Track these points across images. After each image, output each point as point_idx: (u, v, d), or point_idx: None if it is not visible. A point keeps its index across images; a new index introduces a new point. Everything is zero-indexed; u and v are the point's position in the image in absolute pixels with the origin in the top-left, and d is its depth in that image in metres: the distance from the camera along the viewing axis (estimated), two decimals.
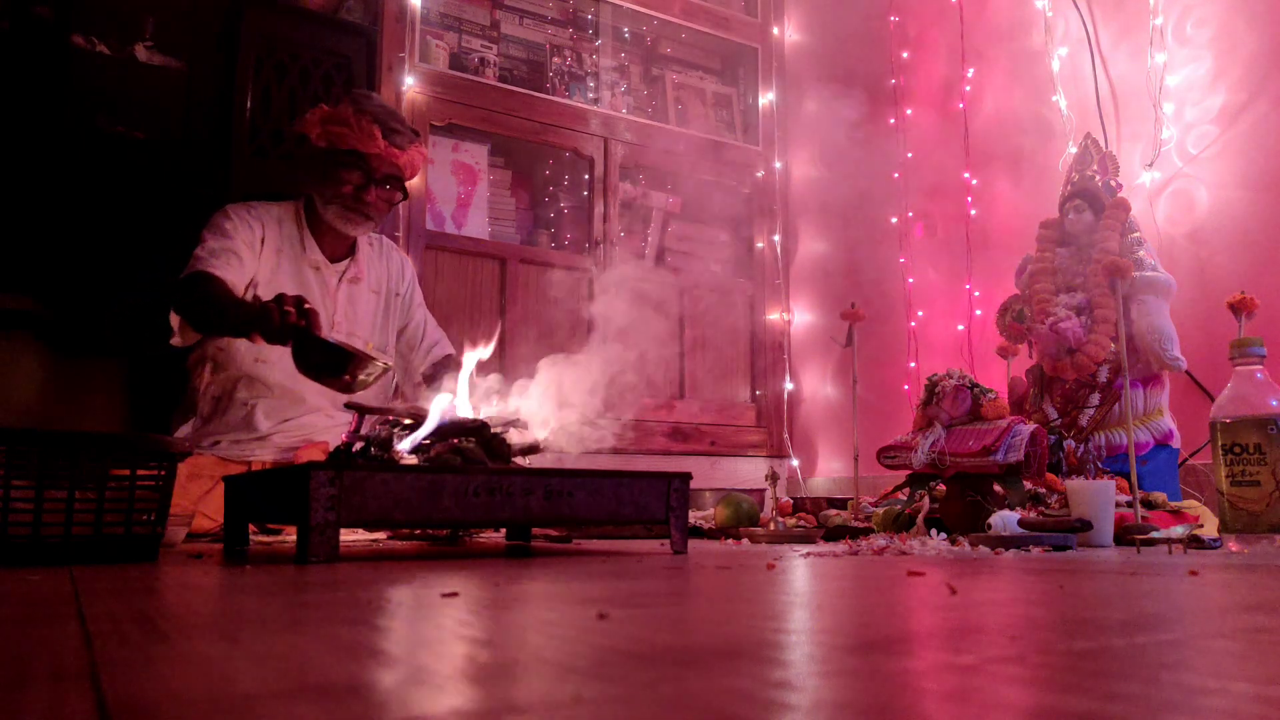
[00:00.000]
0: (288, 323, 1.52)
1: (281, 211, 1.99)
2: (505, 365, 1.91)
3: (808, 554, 1.30)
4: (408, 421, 1.40)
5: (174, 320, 1.84)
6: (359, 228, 1.99)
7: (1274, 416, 1.36)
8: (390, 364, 1.61)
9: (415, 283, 2.19)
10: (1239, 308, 1.55)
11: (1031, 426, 1.66)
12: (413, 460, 1.31)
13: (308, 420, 1.95)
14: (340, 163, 1.91)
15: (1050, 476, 1.72)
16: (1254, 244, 2.04)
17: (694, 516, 2.05)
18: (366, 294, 2.07)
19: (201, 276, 1.79)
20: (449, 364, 2.07)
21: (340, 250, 2.04)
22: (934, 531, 1.60)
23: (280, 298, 1.55)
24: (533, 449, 1.45)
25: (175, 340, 1.87)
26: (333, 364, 1.53)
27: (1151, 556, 1.26)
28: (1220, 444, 1.41)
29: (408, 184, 2.02)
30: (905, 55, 2.94)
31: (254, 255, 1.92)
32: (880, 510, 1.85)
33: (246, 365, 1.91)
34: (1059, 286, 2.12)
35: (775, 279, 3.26)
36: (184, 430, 1.95)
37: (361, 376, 1.53)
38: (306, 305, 1.55)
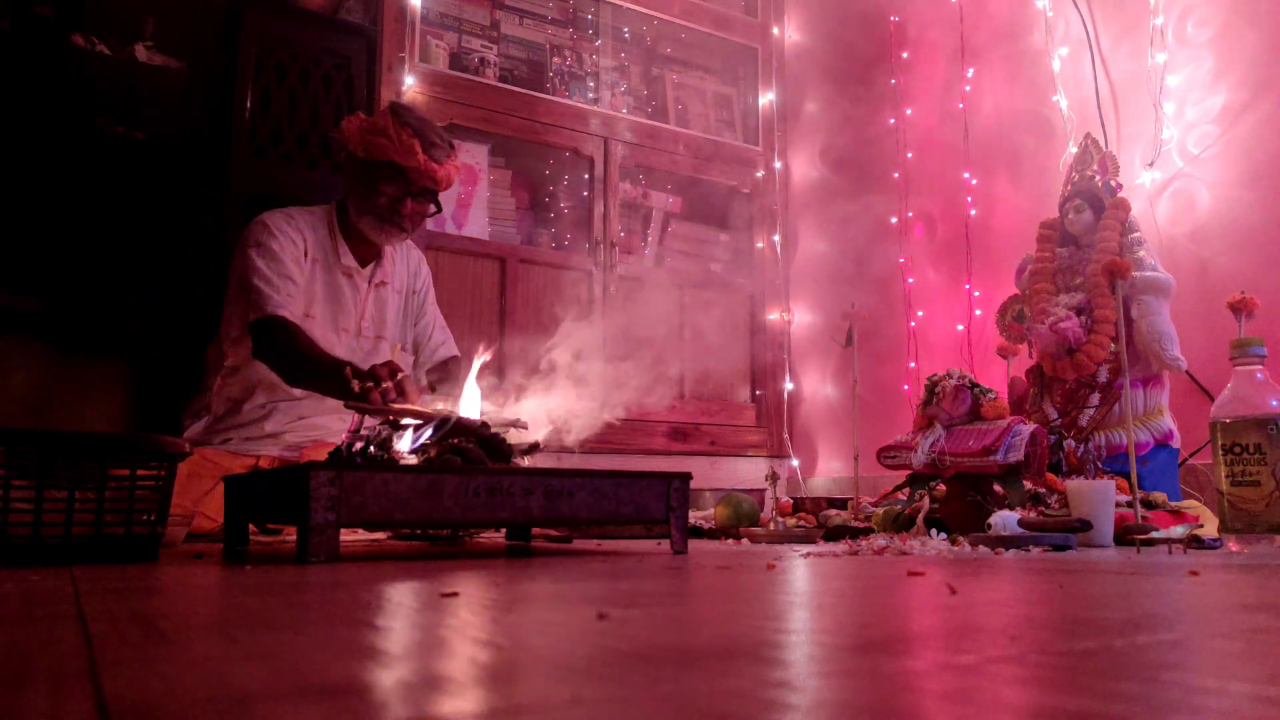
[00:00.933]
0: (388, 400, 1.50)
1: (314, 219, 1.99)
2: (505, 365, 1.91)
3: (808, 554, 1.30)
4: (407, 422, 1.40)
5: (226, 344, 1.93)
6: (392, 238, 2.00)
7: (1274, 416, 1.36)
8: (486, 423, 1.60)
9: (429, 281, 2.20)
10: (1239, 308, 1.55)
11: (1031, 426, 1.66)
12: (413, 460, 1.31)
13: (322, 421, 1.96)
14: (378, 174, 1.90)
15: (1050, 476, 1.72)
16: (1255, 244, 2.04)
17: (694, 516, 2.05)
18: (392, 295, 2.09)
19: (277, 323, 1.80)
20: (453, 366, 2.08)
21: (369, 254, 2.04)
22: (934, 531, 1.60)
23: (375, 374, 1.53)
24: (533, 449, 1.46)
25: (229, 362, 1.93)
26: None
27: (1151, 556, 1.26)
28: (1220, 444, 1.41)
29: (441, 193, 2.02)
30: (905, 55, 2.94)
31: (302, 272, 1.92)
32: (880, 510, 1.85)
33: (271, 372, 1.92)
34: (1059, 286, 2.12)
35: (775, 279, 3.26)
36: (196, 427, 1.96)
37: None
38: (401, 375, 1.54)
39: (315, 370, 1.72)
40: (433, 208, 1.99)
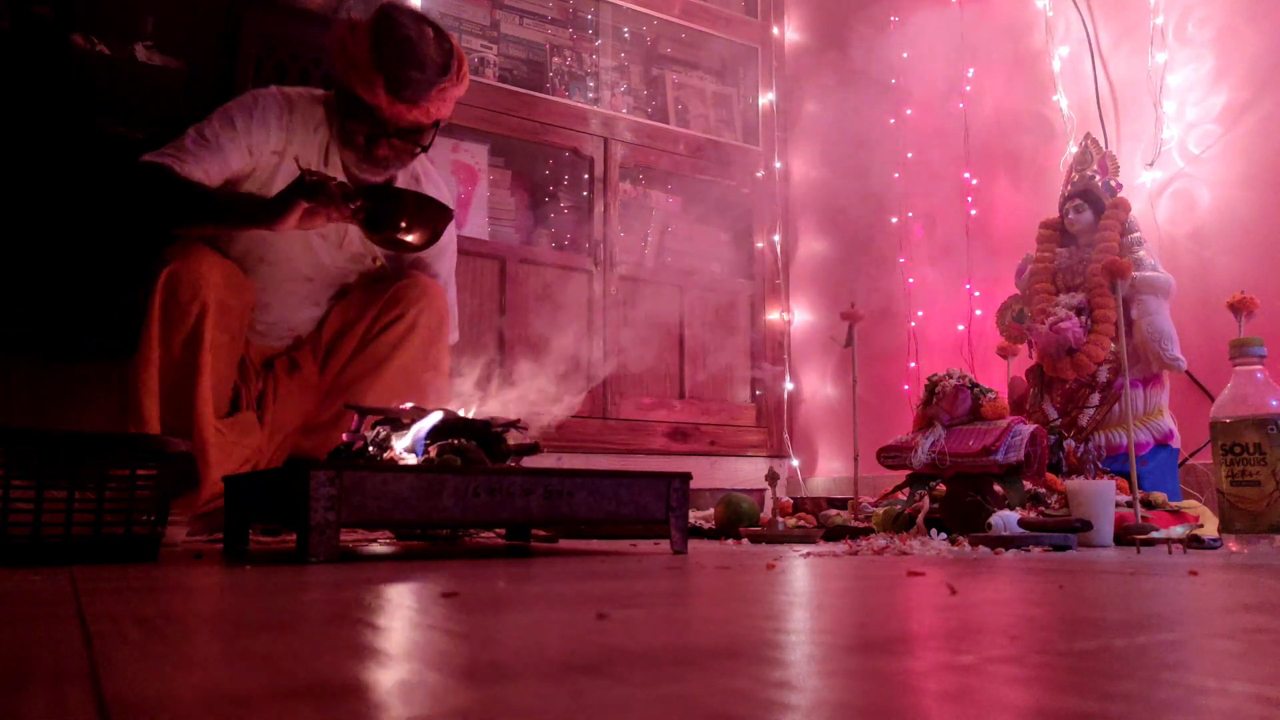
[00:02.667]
0: (341, 194, 1.47)
1: (314, 122, 1.81)
2: (505, 366, 1.90)
3: (808, 554, 1.30)
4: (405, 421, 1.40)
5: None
6: (377, 176, 1.80)
7: (1274, 416, 1.36)
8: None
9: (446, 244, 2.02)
10: (1239, 308, 1.55)
11: (1031, 426, 1.66)
12: (412, 460, 1.31)
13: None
14: (349, 110, 1.72)
15: (1050, 476, 1.72)
16: (1255, 244, 2.04)
17: (694, 516, 2.05)
18: None
19: (151, 168, 1.63)
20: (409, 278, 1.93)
21: (368, 171, 1.83)
22: (934, 531, 1.60)
23: (324, 182, 1.49)
24: (533, 449, 1.46)
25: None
26: (421, 217, 1.58)
27: (1151, 556, 1.26)
28: (1220, 444, 1.40)
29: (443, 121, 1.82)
30: (905, 55, 2.94)
31: (245, 156, 1.76)
32: (880, 510, 1.85)
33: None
34: (1059, 286, 2.12)
35: (775, 279, 3.26)
36: None
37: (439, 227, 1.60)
38: (356, 204, 1.52)
39: (229, 199, 1.62)
40: (416, 149, 1.80)
